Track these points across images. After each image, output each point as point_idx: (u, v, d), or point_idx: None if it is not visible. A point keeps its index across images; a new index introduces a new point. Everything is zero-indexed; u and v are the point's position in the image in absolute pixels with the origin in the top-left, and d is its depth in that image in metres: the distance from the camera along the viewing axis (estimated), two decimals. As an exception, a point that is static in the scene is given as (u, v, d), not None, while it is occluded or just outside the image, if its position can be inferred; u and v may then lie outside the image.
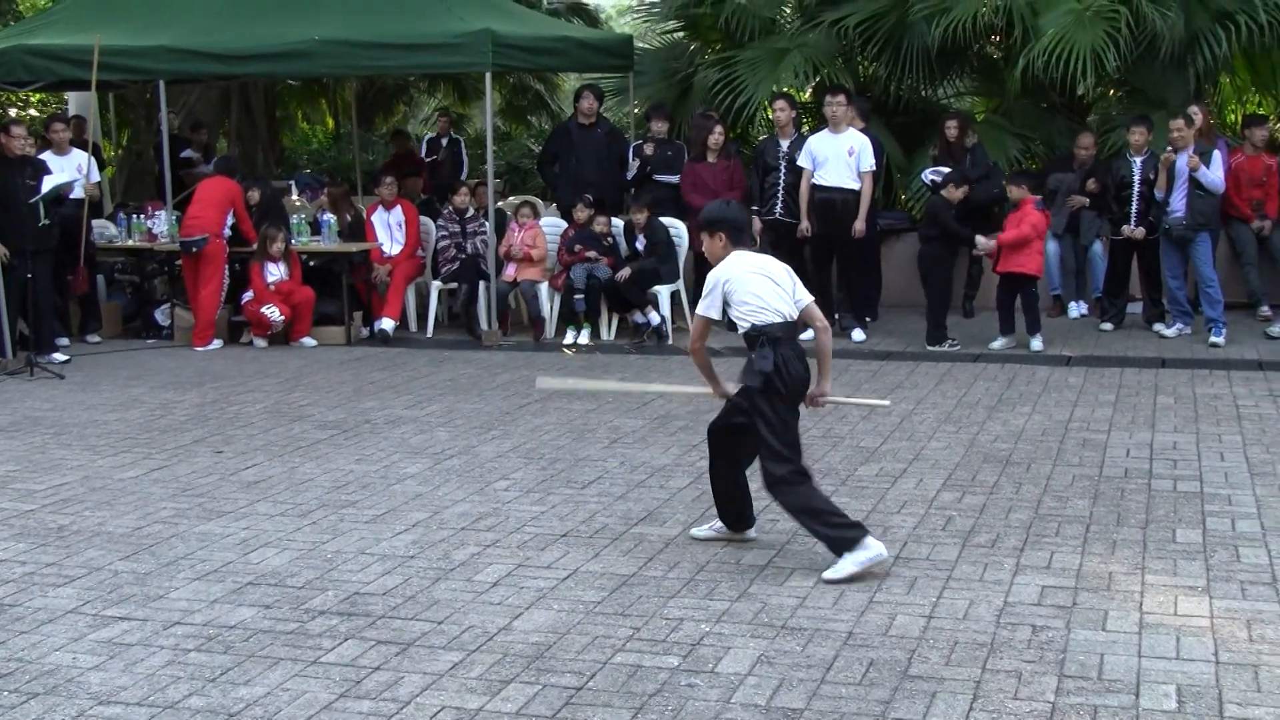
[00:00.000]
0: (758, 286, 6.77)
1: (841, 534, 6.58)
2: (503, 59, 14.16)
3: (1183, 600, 6.20)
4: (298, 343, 13.92)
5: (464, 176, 18.21)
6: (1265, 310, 14.26)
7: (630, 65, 16.65)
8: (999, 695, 5.21)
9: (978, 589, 6.42)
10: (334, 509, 7.89)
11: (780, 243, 13.75)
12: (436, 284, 14.54)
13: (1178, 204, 13.01)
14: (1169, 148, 13.10)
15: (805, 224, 13.46)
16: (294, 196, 16.05)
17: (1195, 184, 12.94)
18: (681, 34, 18.62)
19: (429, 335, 14.41)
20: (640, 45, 18.47)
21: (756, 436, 6.78)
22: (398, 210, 14.71)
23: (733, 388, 7.10)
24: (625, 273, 13.71)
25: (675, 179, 14.57)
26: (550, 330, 14.14)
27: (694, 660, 5.58)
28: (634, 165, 14.89)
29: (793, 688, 5.29)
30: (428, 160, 19.00)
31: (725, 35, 17.26)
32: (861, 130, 13.64)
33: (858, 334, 13.58)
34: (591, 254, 13.88)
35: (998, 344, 12.88)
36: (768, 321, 6.71)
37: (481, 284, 14.25)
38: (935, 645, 5.72)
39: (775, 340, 6.68)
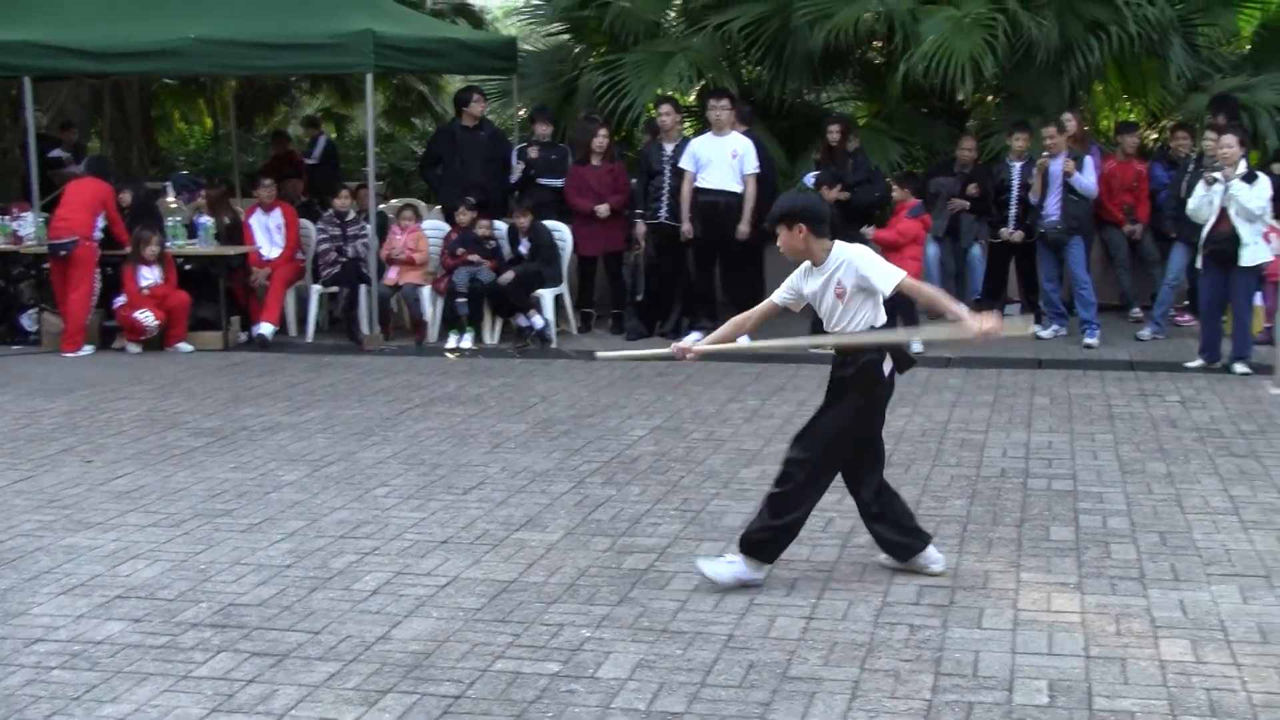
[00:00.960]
0: None
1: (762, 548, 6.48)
2: (384, 60, 14.01)
3: (1055, 597, 6.29)
4: (173, 348, 13.68)
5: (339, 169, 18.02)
6: (1136, 312, 14.51)
7: (514, 67, 16.58)
8: (876, 694, 5.25)
9: (857, 589, 6.46)
10: (208, 518, 7.76)
11: (664, 246, 13.78)
12: (317, 288, 14.38)
13: (1052, 208, 13.22)
14: (1044, 153, 13.28)
15: (688, 227, 13.46)
16: (170, 198, 15.79)
17: (1069, 189, 13.17)
18: (566, 36, 18.57)
19: (309, 340, 14.26)
20: (525, 47, 18.41)
21: (821, 424, 6.53)
22: (277, 213, 14.53)
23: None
24: (509, 276, 13.65)
25: (559, 182, 14.53)
26: (433, 334, 14.03)
27: (574, 666, 5.55)
28: (518, 168, 14.82)
29: (673, 691, 5.28)
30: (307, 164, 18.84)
31: (610, 38, 17.22)
32: (744, 133, 13.68)
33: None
34: (474, 257, 13.80)
35: None
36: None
37: (363, 288, 14.11)
38: (814, 646, 5.74)
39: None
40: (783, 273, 14.64)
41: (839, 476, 6.62)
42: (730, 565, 6.46)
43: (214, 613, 6.22)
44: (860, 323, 6.40)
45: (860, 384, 6.43)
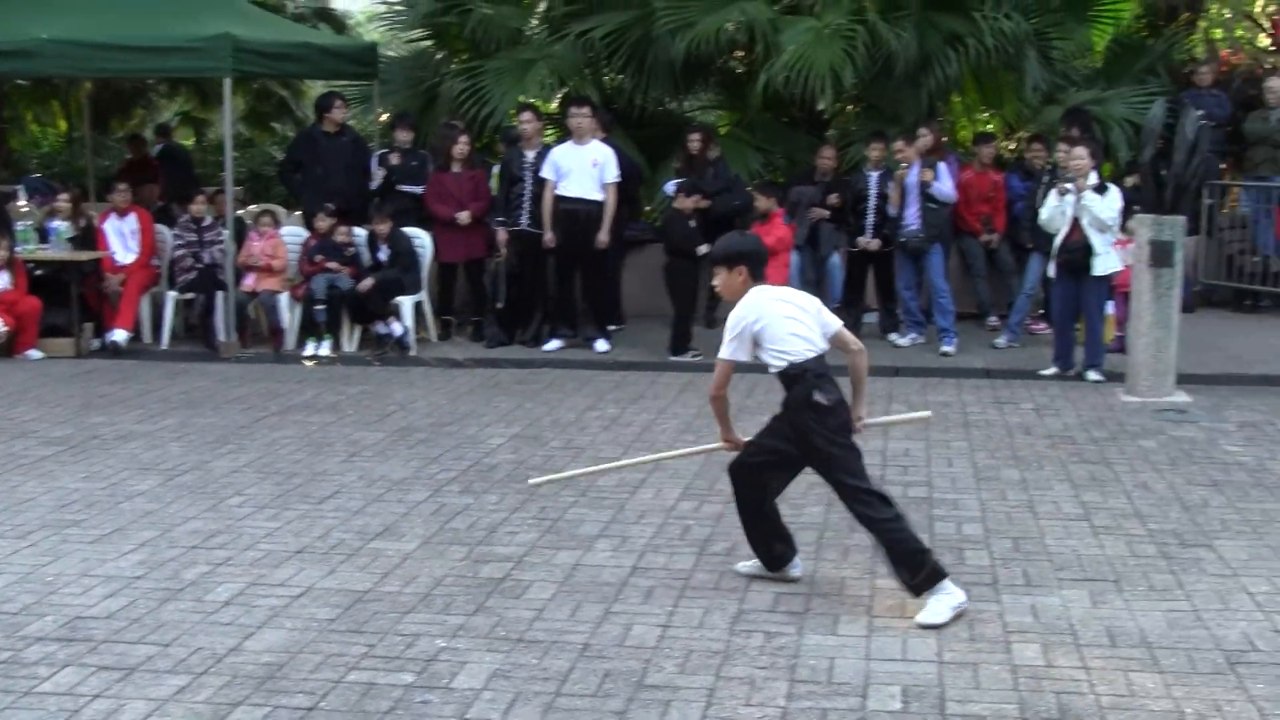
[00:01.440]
0: (793, 325, 6.36)
1: (927, 574, 6.23)
2: (243, 64, 13.83)
3: (910, 603, 6.32)
4: (22, 355, 13.41)
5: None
6: (993, 321, 14.75)
7: (375, 73, 16.44)
8: (731, 702, 5.27)
9: (713, 597, 6.48)
10: (56, 529, 7.61)
11: (526, 254, 13.75)
12: (172, 294, 14.17)
13: (911, 217, 13.39)
14: (900, 164, 13.44)
15: (549, 235, 13.45)
16: (21, 202, 15.48)
17: (927, 197, 13.34)
18: (428, 43, 18.45)
19: (164, 347, 14.02)
20: (386, 53, 18.30)
21: (833, 479, 6.46)
22: (132, 218, 14.31)
23: (744, 436, 6.71)
24: (367, 283, 13.55)
25: (420, 189, 14.46)
26: (290, 342, 13.88)
27: (429, 676, 5.52)
28: (379, 175, 14.71)
29: (528, 701, 5.27)
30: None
31: (471, 45, 17.16)
32: (605, 141, 13.70)
33: (601, 345, 13.61)
34: (333, 264, 13.69)
35: None
36: (808, 358, 6.37)
37: (219, 294, 13.93)
38: (670, 654, 5.75)
39: (820, 375, 6.37)
40: (642, 280, 14.77)
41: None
42: (936, 605, 6.19)
43: (60, 626, 6.10)
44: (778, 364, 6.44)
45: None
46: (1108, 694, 5.35)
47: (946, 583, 6.20)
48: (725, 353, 6.44)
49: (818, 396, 6.29)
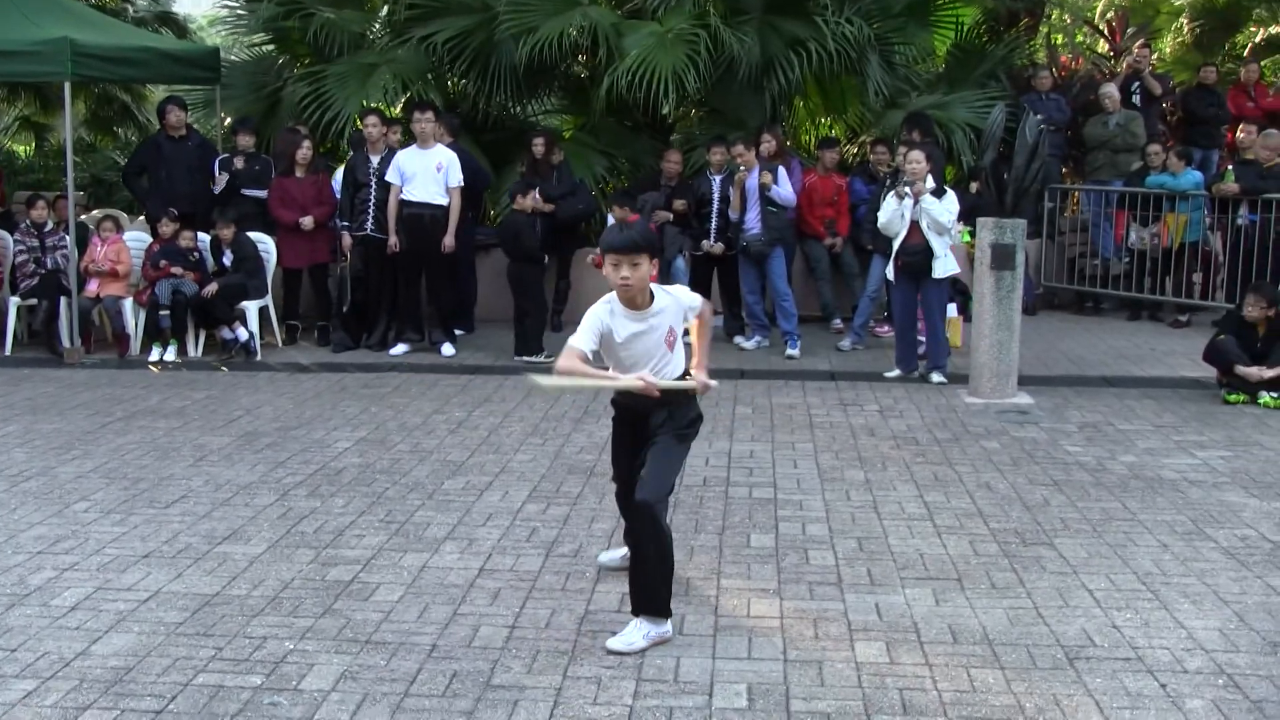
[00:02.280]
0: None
1: (664, 598, 6.07)
2: (83, 69, 13.65)
3: (755, 602, 6.45)
4: None
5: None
6: (837, 323, 14.97)
7: (217, 78, 16.31)
8: (579, 701, 5.34)
9: (560, 598, 6.56)
10: (-102, 536, 7.54)
11: (371, 258, 13.74)
12: (15, 300, 13.98)
13: (752, 221, 13.54)
14: (740, 168, 13.58)
15: (394, 239, 13.46)
16: None
17: (768, 201, 13.50)
18: (270, 47, 18.38)
19: (7, 353, 13.84)
20: (229, 58, 18.15)
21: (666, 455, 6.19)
22: (-29, 224, 14.10)
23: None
24: (212, 288, 13.47)
25: (263, 194, 14.39)
26: (135, 347, 13.75)
27: (277, 678, 5.55)
28: (221, 179, 14.62)
29: (376, 702, 5.32)
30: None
31: (314, 50, 17.09)
32: (450, 146, 13.73)
33: (447, 348, 13.63)
34: (177, 269, 13.58)
35: None
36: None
37: (62, 299, 13.77)
38: (518, 655, 5.82)
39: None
40: (487, 283, 14.80)
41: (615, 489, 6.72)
42: (633, 634, 5.99)
43: (-97, 634, 6.06)
44: (677, 369, 6.25)
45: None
46: (950, 690, 5.48)
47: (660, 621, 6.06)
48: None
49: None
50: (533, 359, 13.08)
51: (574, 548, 7.35)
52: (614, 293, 6.09)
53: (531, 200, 13.46)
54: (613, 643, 5.91)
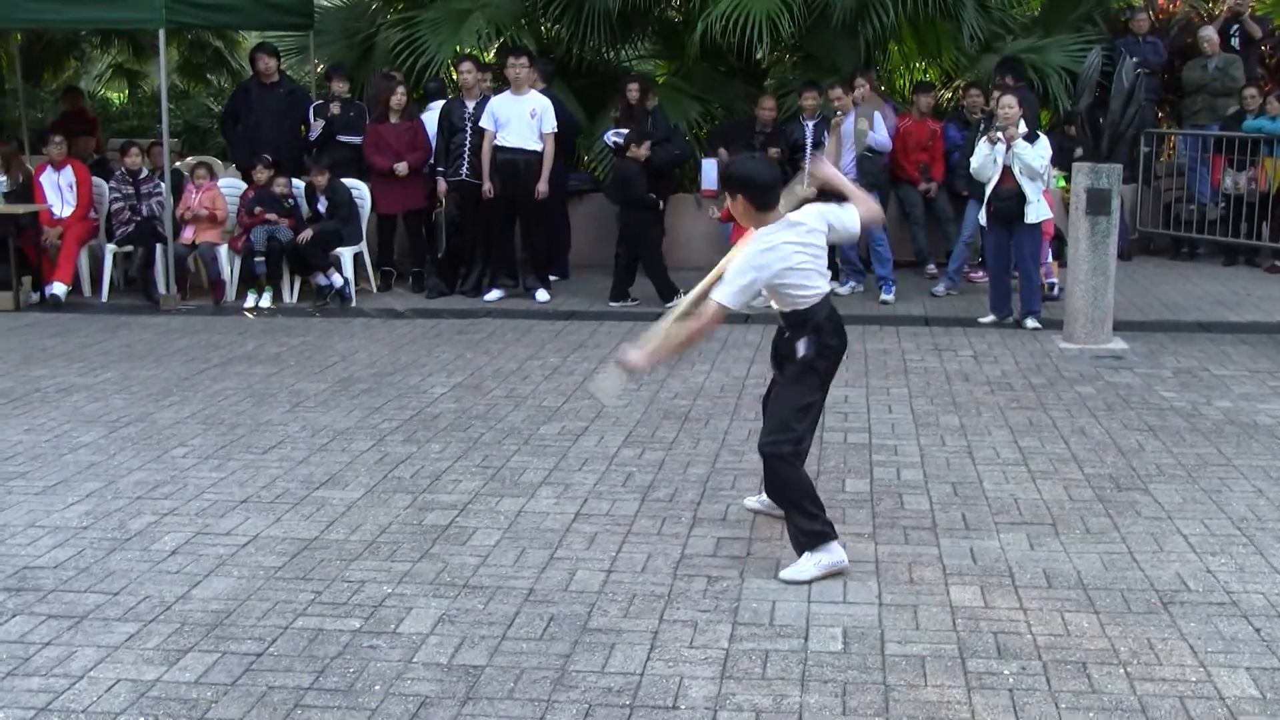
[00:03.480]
0: (803, 272, 6.05)
1: (815, 529, 6.11)
2: (177, 16, 13.72)
3: (850, 546, 6.40)
4: (-37, 309, 13.36)
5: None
6: (931, 269, 14.86)
7: (311, 24, 16.37)
8: (675, 644, 5.35)
9: (655, 542, 6.57)
10: (1, 481, 7.62)
11: (465, 204, 13.77)
12: (111, 247, 14.12)
13: (848, 166, 13.39)
14: (837, 112, 13.48)
15: (488, 185, 13.47)
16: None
17: (865, 146, 13.39)
18: (363, -7, 18.43)
19: (104, 300, 13.99)
20: (321, 4, 18.18)
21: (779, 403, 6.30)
22: (68, 170, 14.20)
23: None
24: (307, 234, 13.54)
25: (358, 140, 14.43)
26: (231, 294, 13.87)
27: (376, 622, 5.58)
28: (317, 125, 14.68)
29: (474, 645, 5.34)
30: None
31: (408, -5, 17.13)
32: (543, 92, 13.71)
33: (541, 294, 13.66)
34: (272, 216, 13.66)
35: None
36: (809, 305, 6.12)
37: (158, 247, 13.90)
38: (614, 599, 5.83)
39: (817, 326, 6.12)
40: (580, 229, 14.83)
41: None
42: (804, 566, 6.08)
43: (8, 576, 6.12)
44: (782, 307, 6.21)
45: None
46: (1044, 633, 5.45)
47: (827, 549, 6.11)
48: (723, 297, 5.93)
49: (804, 348, 6.21)
50: (670, 304, 12.99)
51: (669, 492, 7.35)
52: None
53: (646, 150, 13.37)
54: (785, 573, 6.06)
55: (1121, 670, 5.13)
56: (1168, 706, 4.83)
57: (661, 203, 13.69)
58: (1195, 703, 4.86)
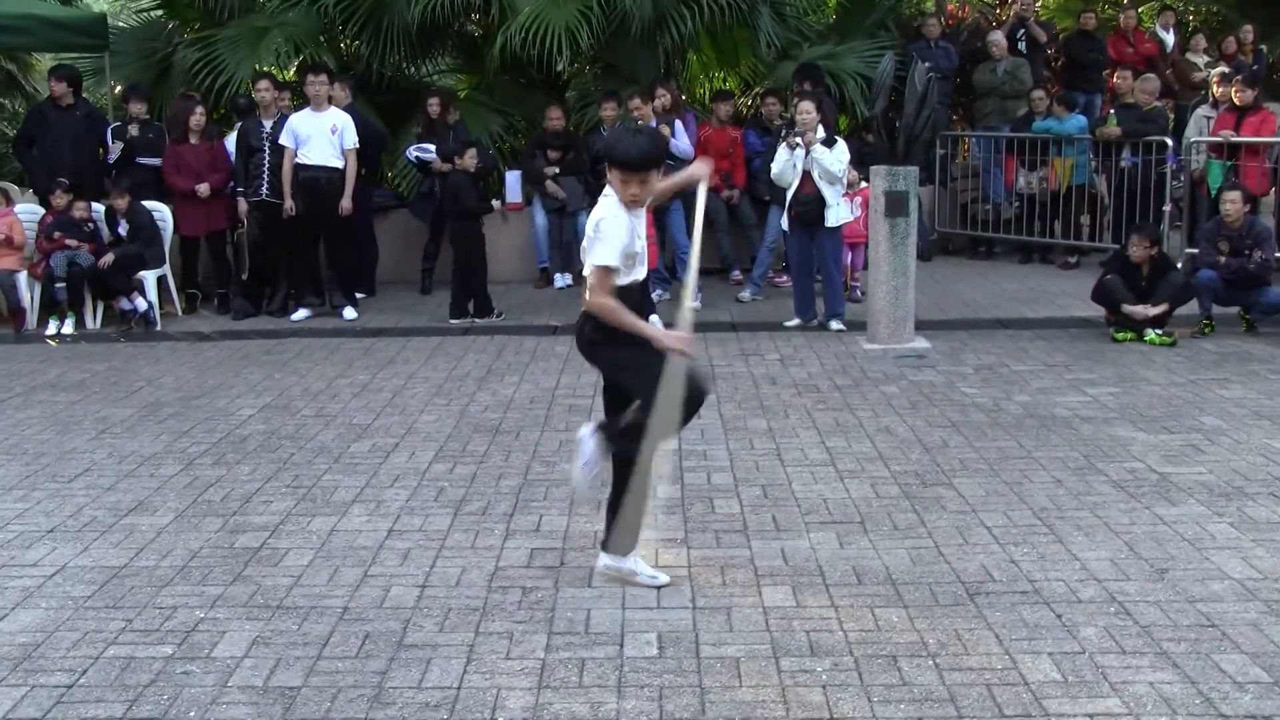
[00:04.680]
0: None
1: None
2: (-42, 37, 13.44)
3: (663, 552, 6.51)
4: None
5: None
6: (736, 275, 15.05)
7: (105, 45, 16.09)
8: (492, 657, 5.37)
9: (470, 556, 6.58)
10: None
11: (268, 224, 13.65)
12: (-96, 277, 13.76)
13: (652, 175, 13.51)
14: (638, 120, 13.59)
15: (290, 204, 13.37)
16: None
17: (667, 155, 13.51)
18: (159, 12, 18.15)
19: (-101, 331, 13.65)
20: (116, 24, 17.92)
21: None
22: None
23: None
24: (108, 259, 13.32)
25: (158, 161, 14.23)
26: (32, 321, 13.57)
27: (189, 647, 5.53)
28: (116, 148, 14.44)
29: (289, 666, 5.32)
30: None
31: (204, 14, 16.93)
32: (346, 108, 13.66)
33: (349, 312, 13.58)
34: (72, 241, 13.41)
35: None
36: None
37: (-46, 275, 13.59)
38: (429, 614, 5.84)
39: None
40: (386, 246, 14.76)
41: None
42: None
43: None
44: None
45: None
46: (855, 629, 5.56)
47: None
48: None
49: None
50: (487, 319, 13.01)
51: (482, 505, 7.38)
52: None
53: (470, 159, 13.31)
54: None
55: (931, 662, 5.25)
56: (975, 695, 4.96)
57: (499, 204, 13.68)
58: (1002, 690, 4.99)
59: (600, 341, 5.94)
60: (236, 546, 6.80)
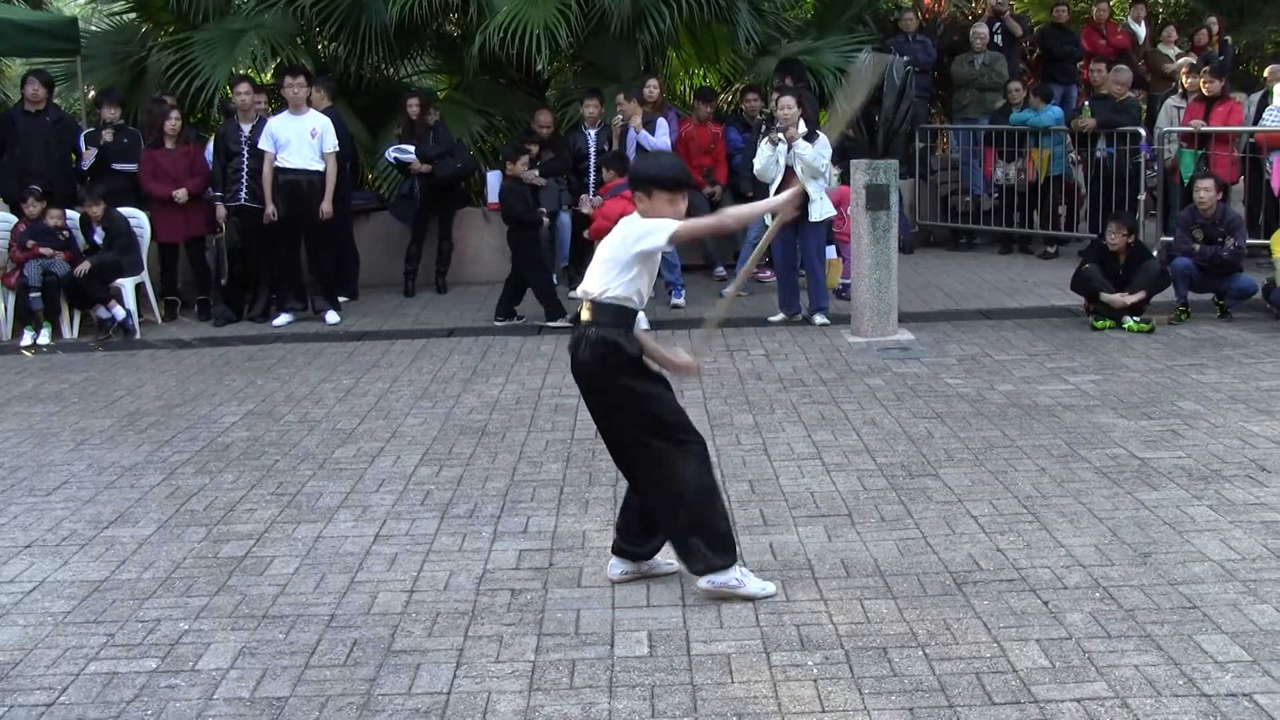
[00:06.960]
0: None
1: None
2: (-76, 41, 13.29)
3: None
4: None
5: None
6: (720, 271, 14.99)
7: (78, 49, 15.90)
8: (482, 660, 5.30)
9: (457, 559, 6.51)
10: None
11: (248, 229, 13.55)
12: (-123, 289, 13.63)
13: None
14: (618, 117, 13.55)
15: (270, 208, 13.26)
16: None
17: (639, 150, 13.50)
18: (132, 15, 18.00)
19: (-128, 344, 13.51)
20: (88, 28, 17.78)
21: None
22: None
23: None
24: (84, 267, 13.18)
25: (133, 167, 14.10)
26: (6, 332, 13.43)
27: (173, 660, 5.43)
28: (90, 154, 14.30)
29: (276, 676, 5.23)
30: None
31: (178, 17, 16.78)
32: (325, 111, 13.56)
33: (331, 316, 13.49)
34: (46, 250, 13.27)
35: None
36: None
37: (-73, 287, 13.46)
38: (418, 619, 5.76)
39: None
40: (368, 249, 14.68)
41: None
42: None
43: None
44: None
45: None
46: (845, 622, 5.54)
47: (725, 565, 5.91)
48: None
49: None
50: (554, 324, 12.78)
51: (469, 508, 7.31)
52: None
53: (522, 165, 13.17)
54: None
55: (920, 652, 5.24)
56: (965, 684, 4.95)
57: (543, 221, 13.54)
58: (991, 677, 4.99)
59: (625, 369, 6.17)
60: (220, 556, 6.70)
